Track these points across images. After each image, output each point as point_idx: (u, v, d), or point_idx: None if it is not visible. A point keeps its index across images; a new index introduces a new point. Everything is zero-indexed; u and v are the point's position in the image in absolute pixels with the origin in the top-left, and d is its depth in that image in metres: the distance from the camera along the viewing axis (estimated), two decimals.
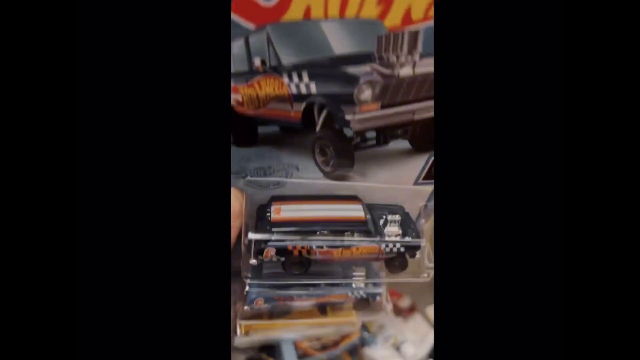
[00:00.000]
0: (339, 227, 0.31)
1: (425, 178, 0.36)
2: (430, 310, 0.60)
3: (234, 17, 0.22)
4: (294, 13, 0.23)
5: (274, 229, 0.31)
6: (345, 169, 0.33)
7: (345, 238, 0.31)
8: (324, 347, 0.43)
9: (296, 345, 0.44)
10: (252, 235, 0.30)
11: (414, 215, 0.38)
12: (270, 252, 0.31)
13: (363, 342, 0.48)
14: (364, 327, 0.47)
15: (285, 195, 0.34)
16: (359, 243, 0.32)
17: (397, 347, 0.52)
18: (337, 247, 0.31)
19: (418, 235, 0.34)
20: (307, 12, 0.23)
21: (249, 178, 0.32)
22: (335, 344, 0.44)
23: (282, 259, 0.31)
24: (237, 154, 0.31)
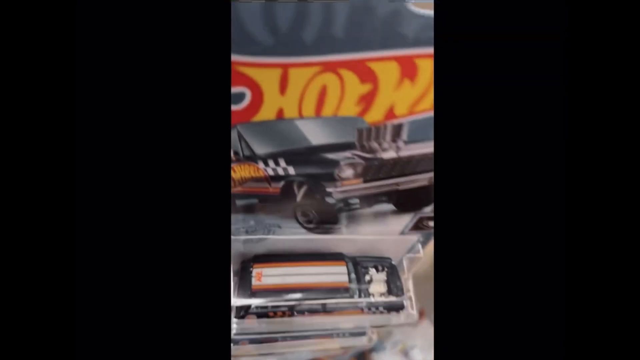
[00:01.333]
0: (321, 295, 0.31)
1: (412, 229, 0.36)
2: None
3: None
4: (266, 114, 0.21)
5: (254, 297, 0.31)
6: (328, 226, 0.33)
7: (328, 302, 0.32)
8: (331, 354, 0.44)
9: None
10: (234, 301, 0.31)
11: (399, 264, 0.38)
12: (251, 319, 0.31)
13: (371, 348, 0.48)
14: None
15: (268, 255, 0.34)
16: (341, 308, 0.32)
17: (406, 353, 0.53)
18: (319, 312, 0.32)
19: (402, 292, 0.34)
20: (280, 113, 0.21)
21: (232, 237, 0.32)
22: (345, 351, 0.45)
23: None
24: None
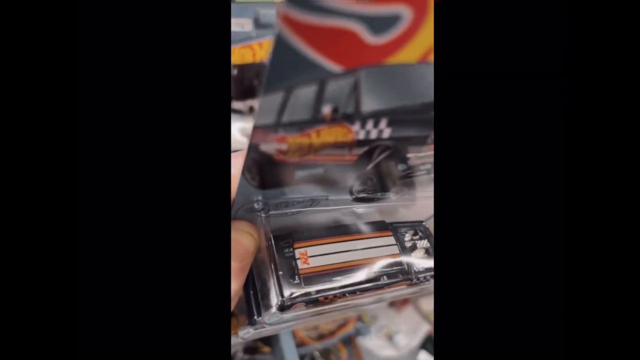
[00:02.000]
0: (377, 272, 0.27)
1: None
2: (423, 303, 0.64)
3: (315, 57, 0.13)
4: (409, 54, 0.14)
5: (308, 284, 0.25)
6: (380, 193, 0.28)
7: (380, 282, 0.28)
8: (321, 337, 0.44)
9: (294, 334, 0.43)
10: (287, 292, 0.25)
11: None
12: (299, 306, 0.26)
13: (357, 332, 0.49)
14: (359, 318, 0.48)
15: (305, 231, 0.28)
16: (394, 282, 0.29)
17: (390, 338, 0.56)
18: (372, 289, 0.28)
19: None
20: (427, 54, 0.14)
21: (271, 212, 0.25)
22: (332, 333, 0.44)
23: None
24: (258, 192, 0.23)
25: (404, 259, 0.30)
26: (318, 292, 0.26)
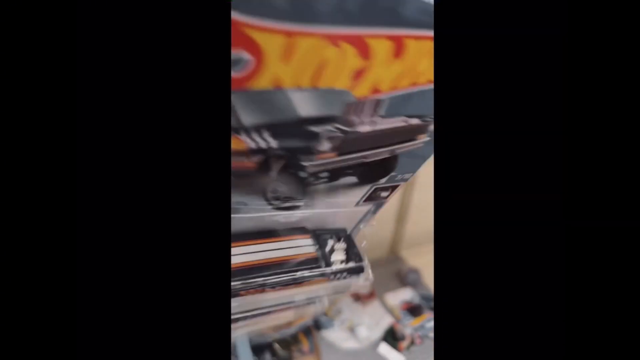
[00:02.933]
0: (292, 268, 0.32)
1: (366, 200, 0.39)
2: (389, 297, 0.64)
3: None
4: (263, 82, 0.20)
5: None
6: (294, 202, 0.33)
7: (298, 275, 0.32)
8: (278, 327, 0.44)
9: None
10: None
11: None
12: None
13: (319, 325, 0.49)
14: (324, 313, 0.49)
15: (233, 235, 0.32)
16: (311, 278, 0.33)
17: (352, 330, 0.56)
18: (290, 284, 0.32)
19: (360, 258, 0.37)
20: (278, 82, 0.21)
21: None
22: (289, 323, 0.44)
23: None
24: None
25: (320, 258, 0.35)
26: (238, 285, 0.30)
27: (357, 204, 0.38)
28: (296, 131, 0.25)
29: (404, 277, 0.76)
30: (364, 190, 0.37)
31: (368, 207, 0.40)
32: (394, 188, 0.38)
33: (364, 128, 0.27)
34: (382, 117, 0.26)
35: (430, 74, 0.25)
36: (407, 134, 0.30)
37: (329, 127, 0.26)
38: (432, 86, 0.26)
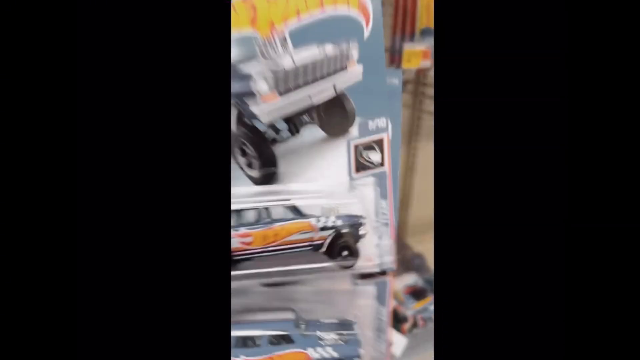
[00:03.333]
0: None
1: (357, 170, 0.37)
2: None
3: None
4: None
5: None
6: (270, 169, 0.35)
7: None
8: None
9: None
10: None
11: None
12: None
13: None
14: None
15: None
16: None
17: None
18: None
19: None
20: None
21: None
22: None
23: None
24: None
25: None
26: None
27: (350, 177, 0.37)
28: (233, 75, 0.33)
29: (409, 263, 0.76)
30: (343, 150, 0.37)
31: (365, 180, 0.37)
32: (379, 145, 0.37)
33: (286, 62, 0.34)
34: (295, 48, 0.34)
35: (314, 2, 0.33)
36: (333, 63, 0.35)
37: (256, 66, 0.33)
38: (324, 14, 0.33)
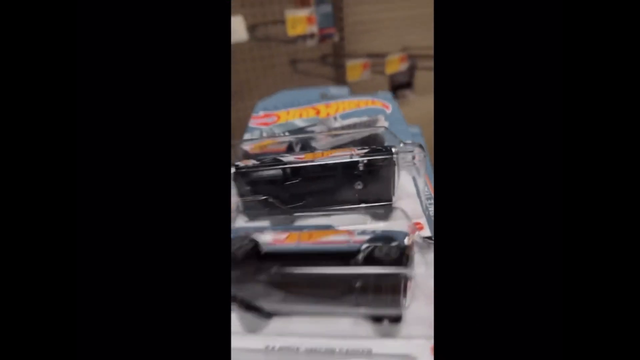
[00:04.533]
0: None
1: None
2: None
3: None
4: None
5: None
6: None
7: None
8: None
9: None
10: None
11: None
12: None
13: None
14: None
15: None
16: None
17: None
18: None
19: None
20: None
21: None
22: None
23: None
24: None
25: None
26: None
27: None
28: (300, 131, 0.52)
29: None
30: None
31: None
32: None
33: (338, 123, 0.52)
34: (343, 118, 0.53)
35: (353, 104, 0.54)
36: (370, 121, 0.51)
37: (316, 127, 0.52)
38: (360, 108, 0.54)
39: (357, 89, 0.71)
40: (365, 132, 0.49)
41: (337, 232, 0.30)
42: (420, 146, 0.37)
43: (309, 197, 0.37)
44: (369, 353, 0.24)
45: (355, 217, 0.36)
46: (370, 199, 0.37)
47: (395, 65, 0.91)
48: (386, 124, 0.51)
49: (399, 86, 1.35)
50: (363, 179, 0.37)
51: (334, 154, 0.37)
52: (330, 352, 0.24)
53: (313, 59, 1.22)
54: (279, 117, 0.55)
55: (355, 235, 0.27)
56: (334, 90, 0.63)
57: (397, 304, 0.24)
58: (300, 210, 0.37)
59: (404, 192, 0.39)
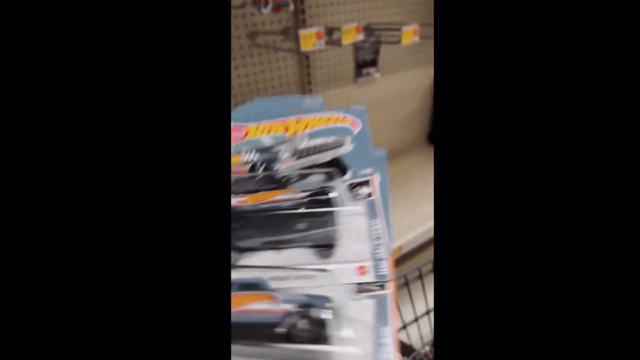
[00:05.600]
0: None
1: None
2: None
3: None
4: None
5: None
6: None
7: None
8: None
9: None
10: None
11: None
12: None
13: None
14: None
15: None
16: None
17: None
18: None
19: None
20: None
21: None
22: None
23: None
24: None
25: None
26: None
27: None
28: (265, 152, 0.51)
29: None
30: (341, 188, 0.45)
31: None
32: (367, 184, 0.45)
33: (304, 144, 0.51)
34: (310, 138, 0.52)
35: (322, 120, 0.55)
36: (335, 144, 0.51)
37: (282, 147, 0.51)
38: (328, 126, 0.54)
39: (329, 97, 0.70)
40: (328, 157, 0.49)
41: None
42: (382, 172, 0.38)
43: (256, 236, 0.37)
44: None
45: (303, 254, 0.35)
46: (315, 239, 0.38)
47: (352, 35, 0.90)
48: (350, 147, 0.52)
49: (364, 64, 1.35)
50: (306, 220, 0.38)
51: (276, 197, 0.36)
52: None
53: (273, 31, 1.20)
54: (247, 133, 0.53)
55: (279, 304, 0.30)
56: (307, 101, 0.63)
57: None
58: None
59: (354, 231, 0.39)
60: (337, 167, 0.53)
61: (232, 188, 0.51)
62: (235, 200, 0.41)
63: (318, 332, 0.26)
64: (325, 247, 0.37)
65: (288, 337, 0.26)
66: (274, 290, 0.29)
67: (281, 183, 0.52)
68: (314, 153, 0.53)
